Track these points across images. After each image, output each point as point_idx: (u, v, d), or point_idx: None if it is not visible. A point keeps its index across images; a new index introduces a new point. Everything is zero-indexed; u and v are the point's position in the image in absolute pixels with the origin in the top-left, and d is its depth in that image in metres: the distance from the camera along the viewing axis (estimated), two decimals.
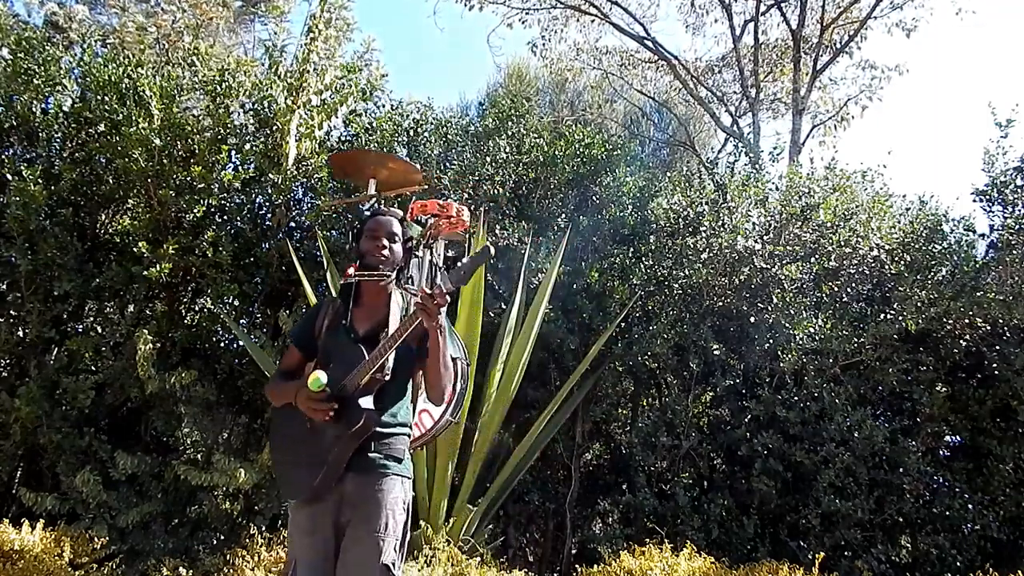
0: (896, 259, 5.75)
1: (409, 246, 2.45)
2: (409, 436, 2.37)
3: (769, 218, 5.92)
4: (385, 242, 2.36)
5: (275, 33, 9.72)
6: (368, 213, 2.48)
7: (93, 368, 5.17)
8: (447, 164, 6.02)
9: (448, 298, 2.08)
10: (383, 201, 2.85)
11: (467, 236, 3.00)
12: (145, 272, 4.92)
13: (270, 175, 5.49)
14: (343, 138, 6.12)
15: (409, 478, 2.31)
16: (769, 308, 5.58)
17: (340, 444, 2.18)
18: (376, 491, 2.19)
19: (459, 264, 2.14)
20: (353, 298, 2.38)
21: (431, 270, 2.28)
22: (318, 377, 2.16)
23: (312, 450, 2.22)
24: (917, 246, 5.73)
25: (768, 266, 5.56)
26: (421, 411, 2.80)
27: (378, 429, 2.23)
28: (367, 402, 2.19)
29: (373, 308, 2.36)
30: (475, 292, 4.80)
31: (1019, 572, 4.50)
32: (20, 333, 5.19)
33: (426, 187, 2.87)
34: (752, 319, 5.65)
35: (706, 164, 8.46)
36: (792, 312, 5.44)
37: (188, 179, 5.18)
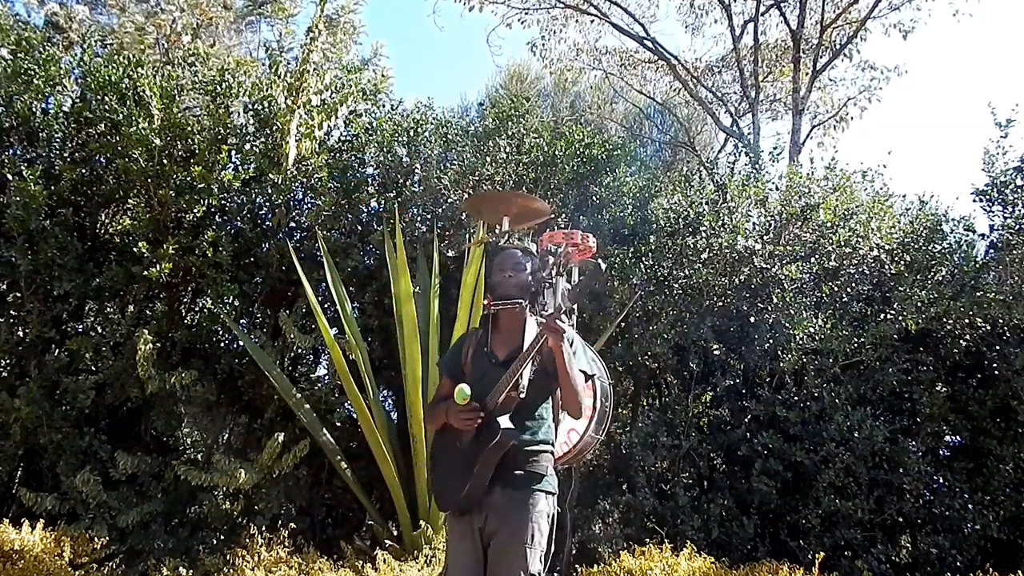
0: (896, 259, 5.75)
1: (539, 276, 2.62)
2: (552, 454, 2.55)
3: (769, 218, 5.92)
4: (510, 273, 2.57)
5: (281, 35, 9.71)
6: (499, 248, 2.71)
7: (93, 368, 5.18)
8: (447, 164, 6.01)
9: (568, 316, 2.36)
10: (515, 234, 3.13)
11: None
12: (145, 272, 4.93)
13: (270, 175, 5.49)
14: (343, 138, 6.12)
15: (553, 493, 2.47)
16: (769, 308, 5.58)
17: (482, 459, 2.37)
18: (523, 504, 2.38)
19: (573, 282, 2.45)
20: (492, 327, 2.62)
21: (564, 295, 2.47)
22: (462, 389, 2.38)
23: (460, 465, 2.42)
24: (917, 246, 5.73)
25: (768, 266, 5.56)
26: (569, 430, 3.00)
27: (524, 448, 2.42)
28: (505, 421, 2.39)
29: (510, 334, 2.57)
30: (475, 292, 4.81)
31: (1019, 572, 4.50)
32: (20, 333, 5.19)
33: (552, 215, 3.07)
34: (752, 319, 5.65)
35: (706, 164, 8.45)
36: (792, 312, 5.44)
37: (188, 179, 5.18)
